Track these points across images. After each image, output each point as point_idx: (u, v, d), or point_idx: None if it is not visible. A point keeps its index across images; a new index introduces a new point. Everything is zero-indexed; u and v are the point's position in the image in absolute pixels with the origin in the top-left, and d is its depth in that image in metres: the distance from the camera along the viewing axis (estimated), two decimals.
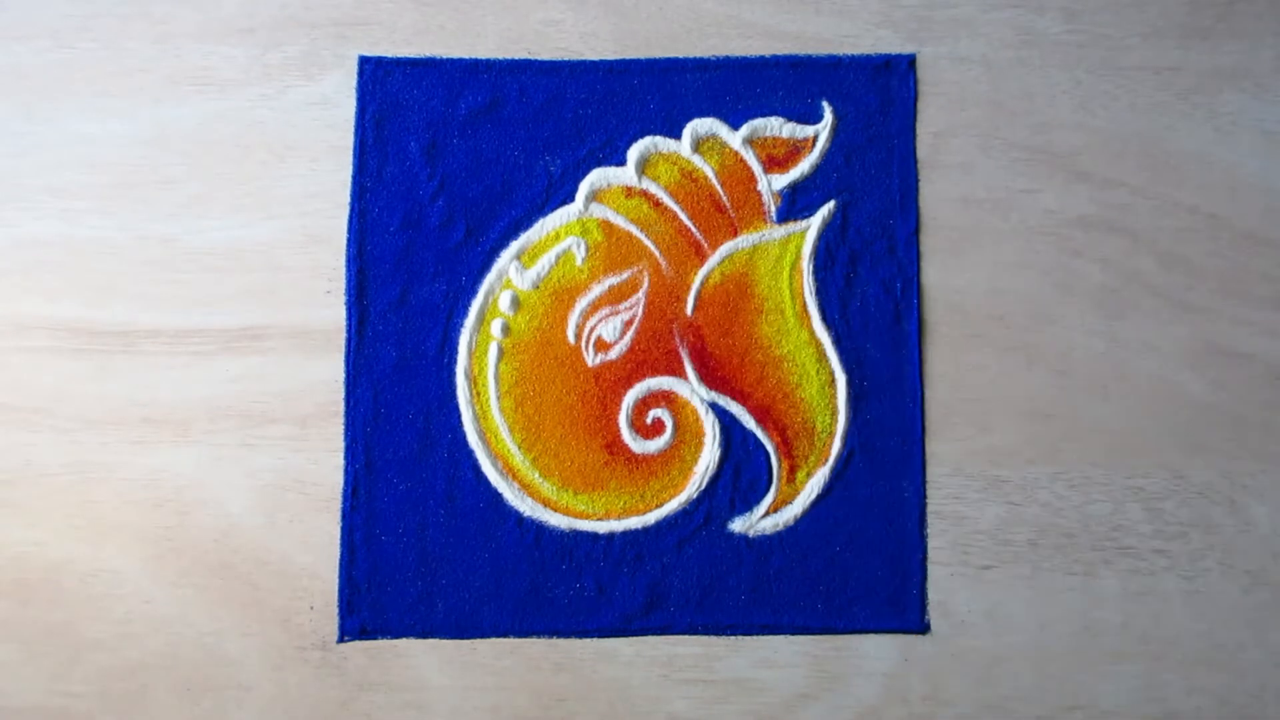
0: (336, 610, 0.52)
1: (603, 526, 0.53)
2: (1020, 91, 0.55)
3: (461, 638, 0.52)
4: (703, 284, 0.54)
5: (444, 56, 0.55)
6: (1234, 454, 0.53)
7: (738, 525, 0.53)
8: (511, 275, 0.54)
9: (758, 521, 0.53)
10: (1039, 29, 0.56)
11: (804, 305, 0.54)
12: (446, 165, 0.55)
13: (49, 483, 0.53)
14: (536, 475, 0.53)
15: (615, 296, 0.54)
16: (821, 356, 0.54)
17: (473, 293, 0.54)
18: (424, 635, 0.52)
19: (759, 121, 0.55)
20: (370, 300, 0.54)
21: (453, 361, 0.54)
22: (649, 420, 0.54)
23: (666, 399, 0.54)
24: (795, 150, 0.55)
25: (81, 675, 0.52)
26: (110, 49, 0.55)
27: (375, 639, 0.52)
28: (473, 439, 0.53)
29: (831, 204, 0.55)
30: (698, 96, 0.55)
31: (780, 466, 0.53)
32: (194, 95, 0.55)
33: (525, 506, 0.53)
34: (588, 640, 0.52)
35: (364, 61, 0.55)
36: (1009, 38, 0.56)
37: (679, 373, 0.54)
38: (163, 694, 0.52)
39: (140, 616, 0.52)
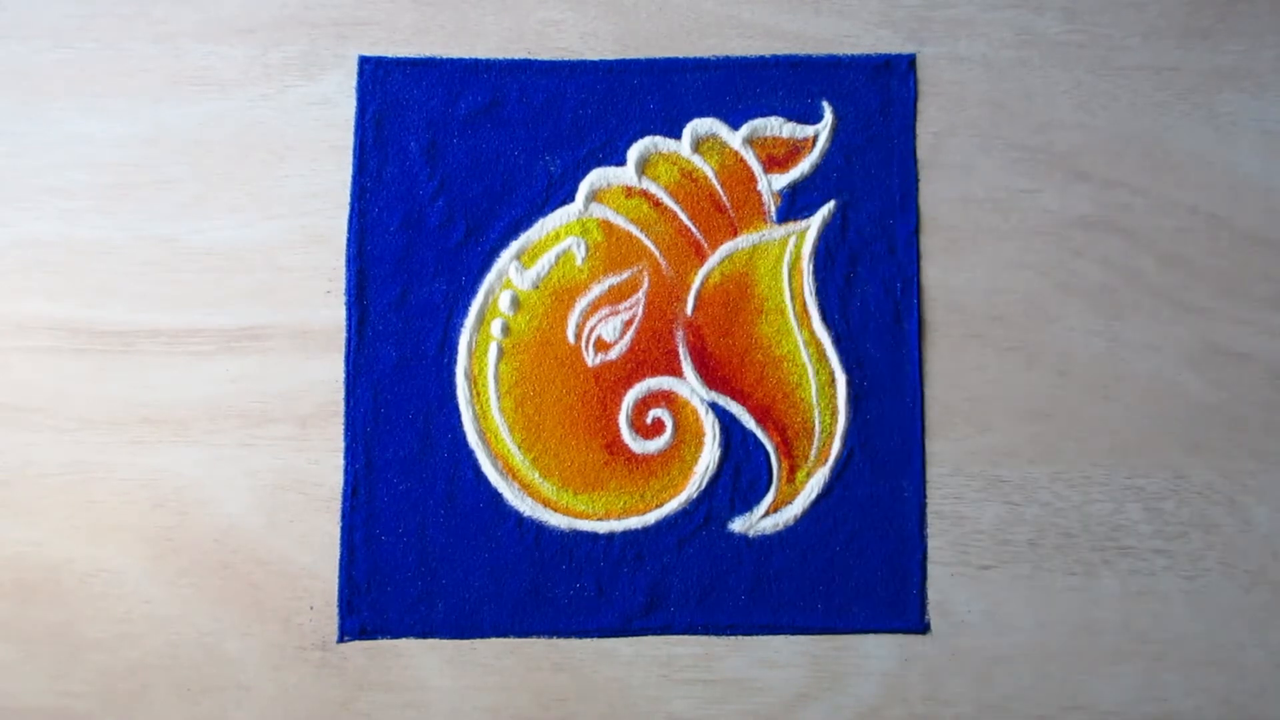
0: (336, 610, 0.52)
1: (603, 526, 0.53)
2: (1020, 91, 0.55)
3: (461, 638, 0.52)
4: (703, 284, 0.54)
5: (444, 56, 0.55)
6: (1234, 454, 0.53)
7: (738, 525, 0.53)
8: (511, 275, 0.54)
9: (758, 521, 0.53)
10: (1039, 29, 0.56)
11: (804, 305, 0.54)
12: (446, 165, 0.55)
13: (49, 483, 0.53)
14: (536, 475, 0.53)
15: (615, 296, 0.54)
16: (821, 356, 0.54)
17: (473, 293, 0.54)
18: (424, 635, 0.52)
19: (759, 121, 0.55)
20: (370, 300, 0.54)
21: (453, 361, 0.54)
22: (649, 420, 0.54)
23: (666, 399, 0.54)
24: (795, 150, 0.55)
25: (81, 675, 0.52)
26: (110, 49, 0.55)
27: (375, 639, 0.52)
28: (473, 439, 0.53)
29: (831, 204, 0.55)
30: (698, 96, 0.55)
31: (780, 466, 0.53)
32: (194, 95, 0.55)
33: (525, 506, 0.53)
34: (588, 640, 0.52)
35: (364, 61, 0.55)
36: (1009, 38, 0.56)
37: (679, 373, 0.54)
38: (163, 694, 0.52)
39: (140, 616, 0.52)
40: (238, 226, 0.54)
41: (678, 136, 0.55)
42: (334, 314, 0.54)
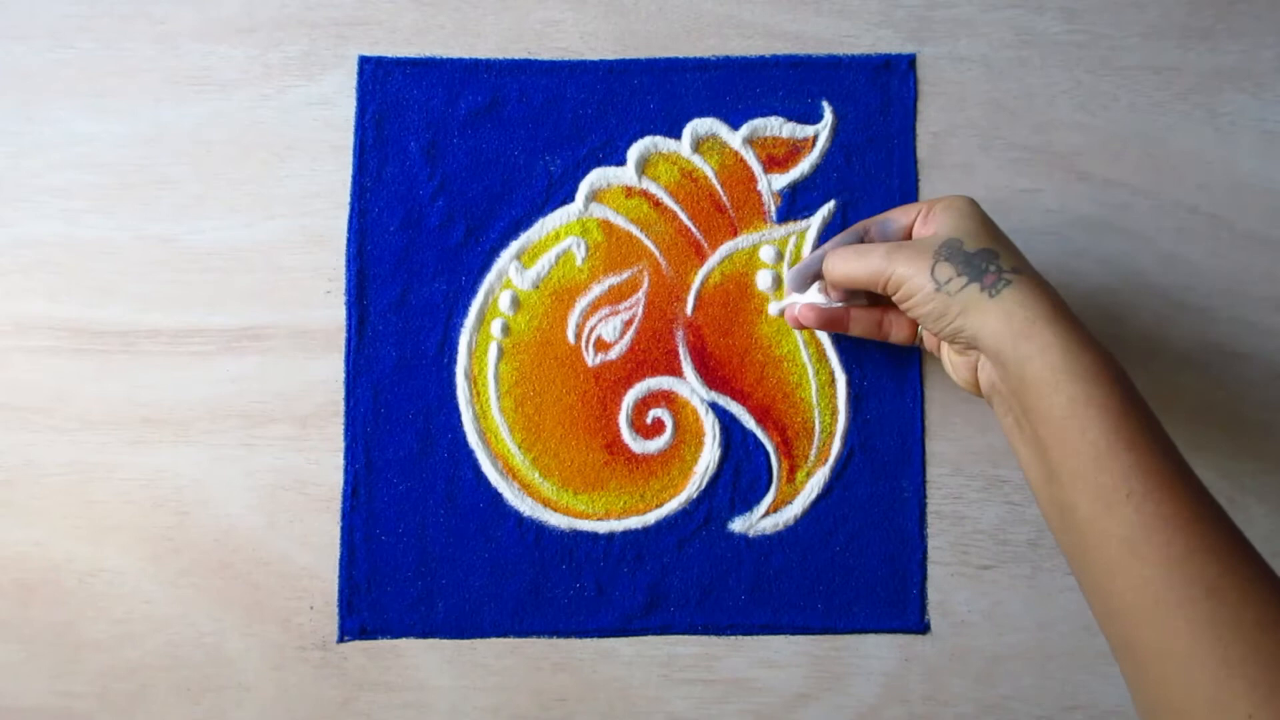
0: (336, 610, 0.52)
1: (603, 526, 0.53)
2: (1020, 91, 0.55)
3: (461, 638, 0.52)
4: (703, 284, 0.54)
5: (444, 56, 0.55)
6: (1234, 454, 0.53)
7: (738, 525, 0.53)
8: (511, 275, 0.54)
9: (758, 521, 0.53)
10: (1039, 29, 0.56)
11: None
12: (446, 165, 0.55)
13: (49, 483, 0.53)
14: (536, 475, 0.53)
15: (615, 296, 0.54)
16: (821, 356, 0.54)
17: (473, 293, 0.54)
18: (424, 635, 0.52)
19: (759, 121, 0.55)
20: (370, 300, 0.54)
21: (453, 361, 0.54)
22: (649, 420, 0.54)
23: (666, 399, 0.54)
24: (795, 150, 0.55)
25: (81, 675, 0.52)
26: (110, 49, 0.55)
27: (375, 639, 0.52)
28: (473, 439, 0.53)
29: (831, 204, 0.54)
30: (698, 96, 0.55)
31: (780, 466, 0.53)
32: (194, 95, 0.55)
33: (525, 506, 0.53)
34: (588, 640, 0.52)
35: (364, 61, 0.55)
36: (1009, 38, 0.56)
37: (679, 373, 0.54)
38: (163, 694, 0.52)
39: (140, 616, 0.52)
40: (238, 226, 0.54)
41: (678, 136, 0.55)
42: (334, 314, 0.54)
